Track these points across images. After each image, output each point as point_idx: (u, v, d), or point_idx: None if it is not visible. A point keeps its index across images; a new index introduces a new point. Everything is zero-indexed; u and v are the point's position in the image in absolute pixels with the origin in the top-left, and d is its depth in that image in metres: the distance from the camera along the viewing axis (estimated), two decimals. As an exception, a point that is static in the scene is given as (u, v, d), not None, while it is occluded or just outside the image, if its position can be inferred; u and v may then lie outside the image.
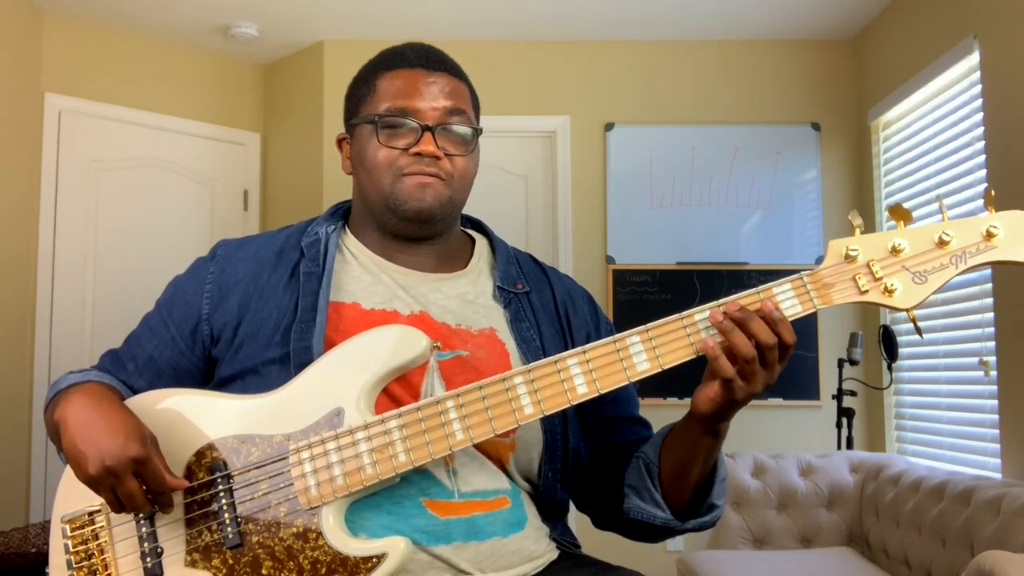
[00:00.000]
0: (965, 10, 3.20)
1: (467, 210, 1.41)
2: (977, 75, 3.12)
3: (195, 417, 1.14)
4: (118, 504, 1.08)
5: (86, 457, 1.06)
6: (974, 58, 3.14)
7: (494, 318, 1.27)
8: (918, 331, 1.10)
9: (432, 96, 1.24)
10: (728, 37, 4.15)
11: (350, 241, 1.32)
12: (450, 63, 1.30)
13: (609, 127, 4.14)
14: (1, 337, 3.52)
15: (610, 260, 4.07)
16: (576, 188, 4.14)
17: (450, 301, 1.26)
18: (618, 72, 4.20)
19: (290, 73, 4.38)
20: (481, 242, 1.39)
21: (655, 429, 1.35)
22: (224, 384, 1.22)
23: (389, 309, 1.22)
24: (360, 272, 1.27)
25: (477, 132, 1.28)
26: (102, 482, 1.06)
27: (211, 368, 1.27)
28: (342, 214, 1.36)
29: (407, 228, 1.26)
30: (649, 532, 1.25)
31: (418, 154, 1.22)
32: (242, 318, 1.23)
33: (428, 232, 1.27)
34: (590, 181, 4.14)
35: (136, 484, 1.07)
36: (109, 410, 1.10)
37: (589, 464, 1.31)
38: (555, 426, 1.23)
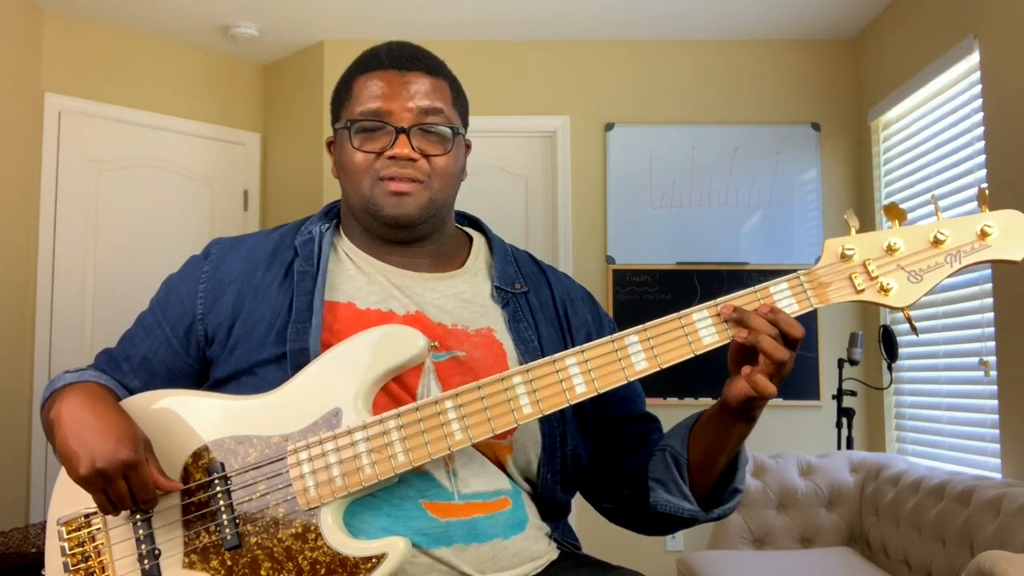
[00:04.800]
0: (965, 10, 3.20)
1: (467, 209, 1.41)
2: (977, 75, 3.12)
3: (191, 418, 1.14)
4: (109, 505, 1.09)
5: (78, 458, 1.06)
6: (974, 58, 3.14)
7: (492, 318, 1.26)
8: (913, 329, 1.11)
9: (406, 97, 1.22)
10: (728, 37, 4.15)
11: (343, 241, 1.31)
12: (427, 61, 1.28)
13: (609, 127, 4.14)
14: (1, 337, 3.52)
15: (610, 260, 4.07)
16: (576, 188, 4.13)
17: (446, 301, 1.25)
18: (618, 72, 4.19)
19: (290, 73, 4.38)
20: (479, 241, 1.37)
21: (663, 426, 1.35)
22: (219, 386, 1.22)
23: (384, 309, 1.22)
24: (355, 272, 1.27)
25: (456, 130, 1.26)
26: (92, 483, 1.07)
27: (206, 368, 1.26)
28: (336, 213, 1.35)
29: (390, 233, 1.26)
30: (671, 524, 1.25)
31: (393, 157, 1.21)
32: (236, 318, 1.22)
33: (411, 236, 1.26)
34: (590, 181, 4.14)
35: (126, 487, 1.07)
36: (103, 411, 1.10)
37: (599, 463, 1.30)
38: (553, 428, 1.22)
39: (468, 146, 1.34)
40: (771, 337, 1.05)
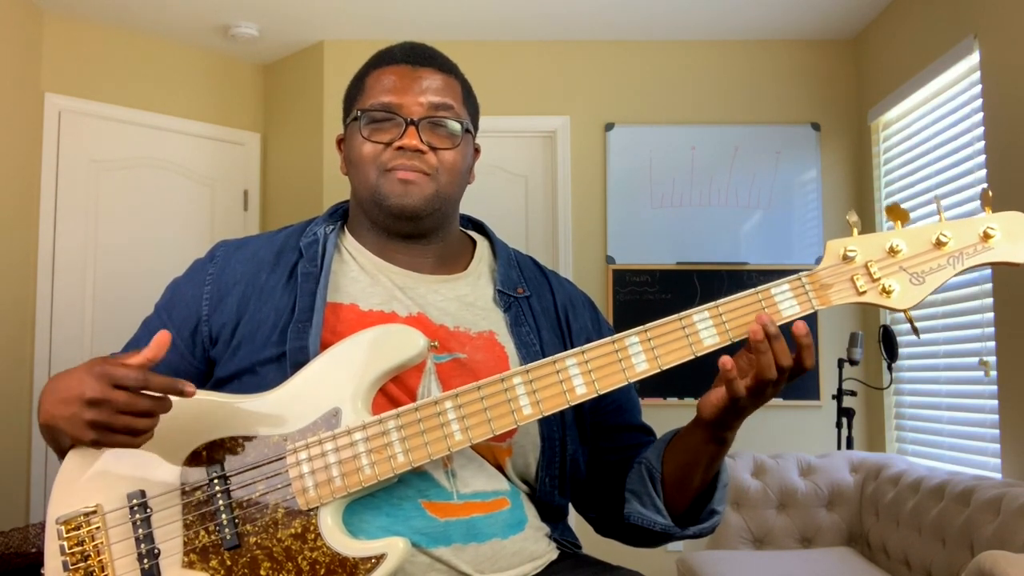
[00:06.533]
0: (965, 10, 3.20)
1: (467, 210, 1.41)
2: (977, 75, 3.12)
3: (191, 417, 1.13)
4: (130, 420, 1.02)
5: (72, 416, 1.02)
6: (974, 58, 3.14)
7: (493, 321, 1.26)
8: (915, 331, 1.10)
9: (418, 91, 1.23)
10: (728, 37, 4.15)
11: (349, 242, 1.31)
12: (440, 59, 1.29)
13: (609, 127, 4.14)
14: (1, 337, 3.52)
15: (610, 260, 4.07)
16: (576, 188, 4.13)
17: (449, 303, 1.25)
18: (618, 72, 4.19)
19: (290, 73, 4.38)
20: (482, 244, 1.38)
21: (657, 433, 1.35)
22: (221, 384, 1.22)
23: (387, 310, 1.22)
24: (358, 273, 1.27)
25: (466, 127, 1.27)
26: (100, 420, 1.01)
27: (211, 370, 1.26)
28: (341, 214, 1.35)
29: (395, 225, 1.26)
30: (649, 538, 1.25)
31: (402, 148, 1.21)
32: (240, 318, 1.23)
33: (417, 229, 1.27)
34: (590, 181, 4.14)
35: (125, 394, 1.01)
36: (70, 371, 1.07)
37: (591, 471, 1.30)
38: (553, 432, 1.22)
39: (477, 150, 1.34)
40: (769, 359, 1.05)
